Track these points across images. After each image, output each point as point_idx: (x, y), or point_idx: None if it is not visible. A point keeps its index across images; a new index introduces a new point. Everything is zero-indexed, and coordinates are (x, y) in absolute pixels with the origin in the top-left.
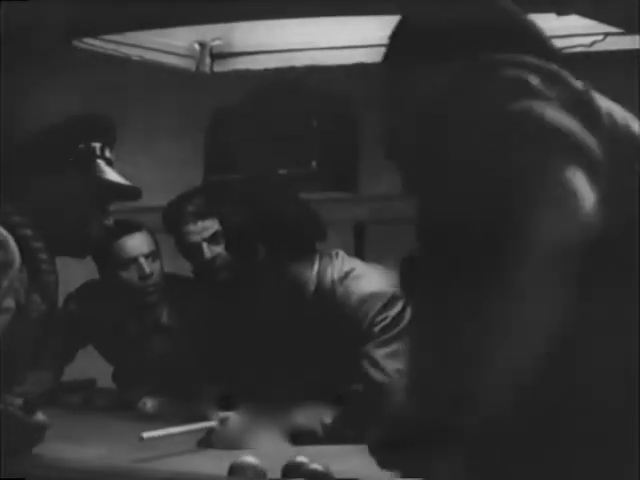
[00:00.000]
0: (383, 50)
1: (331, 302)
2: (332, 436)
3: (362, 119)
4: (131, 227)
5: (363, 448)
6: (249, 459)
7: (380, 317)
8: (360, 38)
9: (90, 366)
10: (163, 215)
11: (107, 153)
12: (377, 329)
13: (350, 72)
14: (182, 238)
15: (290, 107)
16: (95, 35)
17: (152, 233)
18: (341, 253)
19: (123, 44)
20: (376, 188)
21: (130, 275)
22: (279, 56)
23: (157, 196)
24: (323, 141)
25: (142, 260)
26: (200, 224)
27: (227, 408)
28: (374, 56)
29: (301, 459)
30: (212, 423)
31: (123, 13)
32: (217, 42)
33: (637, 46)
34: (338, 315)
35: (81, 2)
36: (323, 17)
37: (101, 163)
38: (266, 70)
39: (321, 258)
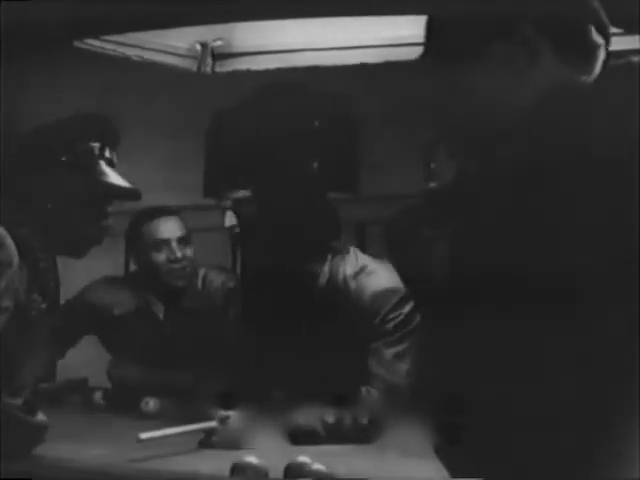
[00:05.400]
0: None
1: (344, 297)
2: (334, 436)
3: (363, 119)
4: (166, 211)
5: (365, 448)
6: (251, 459)
7: (394, 314)
8: (361, 38)
9: (81, 365)
10: (207, 179)
11: (107, 153)
12: (390, 326)
13: (351, 72)
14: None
15: (291, 107)
16: (96, 35)
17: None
18: (354, 249)
19: (124, 45)
20: (377, 188)
21: (160, 257)
22: (280, 56)
23: (157, 197)
24: (324, 141)
25: (174, 244)
26: (242, 193)
27: (228, 407)
28: (375, 56)
29: (303, 459)
30: (211, 424)
31: (124, 13)
32: (218, 42)
33: (637, 46)
34: (350, 310)
35: (82, 2)
36: (324, 18)
37: (101, 163)
38: (267, 70)
39: (334, 254)
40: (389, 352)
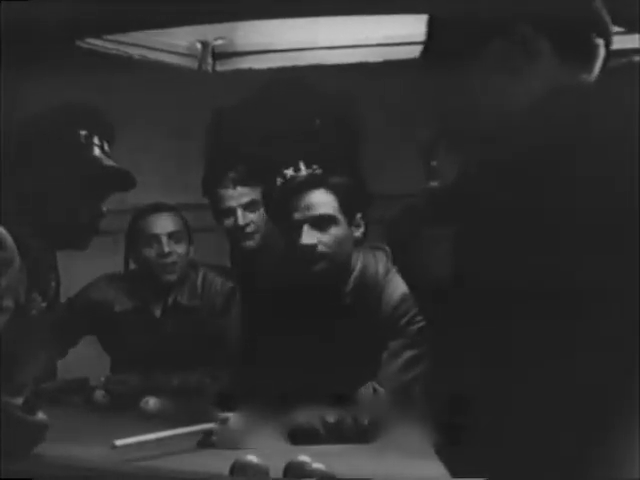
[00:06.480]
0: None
1: (371, 293)
2: (335, 435)
3: (364, 118)
4: (160, 207)
5: (365, 448)
6: (251, 458)
7: (420, 317)
8: (362, 37)
9: (82, 364)
10: (203, 178)
11: (97, 140)
12: (415, 328)
13: (352, 71)
14: (219, 202)
15: (292, 106)
16: (97, 34)
17: (183, 217)
18: (386, 247)
19: (125, 44)
20: (377, 188)
21: (151, 252)
22: (281, 55)
23: (156, 195)
24: (325, 140)
25: (164, 239)
26: (239, 189)
27: (228, 409)
28: (376, 55)
29: (303, 458)
30: (189, 429)
31: (125, 12)
32: (219, 41)
33: (638, 45)
34: (375, 307)
35: (83, 1)
36: (325, 16)
37: (91, 149)
38: (268, 69)
39: (366, 249)
40: (408, 353)
